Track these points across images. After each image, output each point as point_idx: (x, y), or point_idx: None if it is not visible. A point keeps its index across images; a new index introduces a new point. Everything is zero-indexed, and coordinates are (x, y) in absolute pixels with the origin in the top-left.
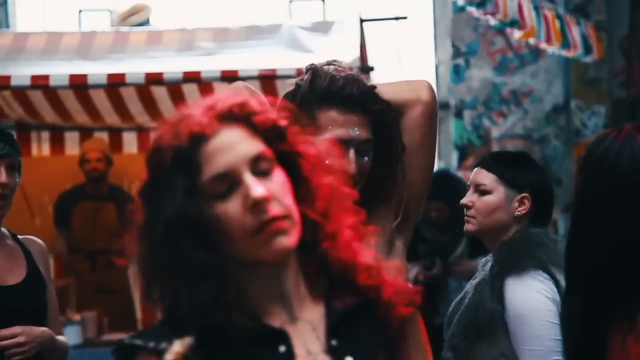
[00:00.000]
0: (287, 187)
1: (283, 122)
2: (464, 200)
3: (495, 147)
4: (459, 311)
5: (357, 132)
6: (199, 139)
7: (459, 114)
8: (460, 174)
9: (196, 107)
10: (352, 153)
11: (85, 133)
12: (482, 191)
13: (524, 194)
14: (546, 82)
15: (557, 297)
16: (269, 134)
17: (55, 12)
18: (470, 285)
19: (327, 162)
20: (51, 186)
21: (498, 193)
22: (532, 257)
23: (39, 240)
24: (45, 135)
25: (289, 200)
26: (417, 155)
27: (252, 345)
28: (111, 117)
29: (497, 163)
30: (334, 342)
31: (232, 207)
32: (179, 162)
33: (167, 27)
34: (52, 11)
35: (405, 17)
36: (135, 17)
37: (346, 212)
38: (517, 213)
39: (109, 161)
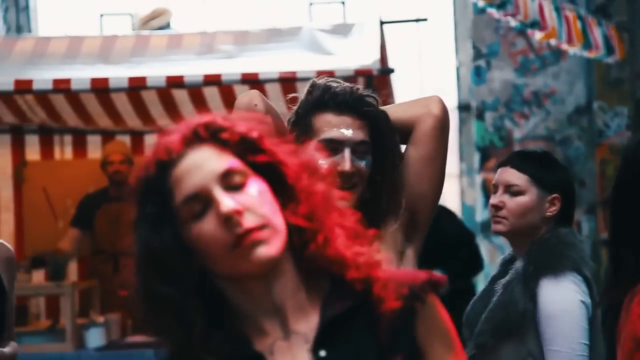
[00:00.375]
0: (266, 196)
1: (254, 134)
2: (494, 201)
3: (517, 149)
4: (486, 309)
5: (352, 133)
6: (166, 165)
7: (480, 116)
8: (482, 175)
9: (167, 133)
10: (347, 152)
11: (107, 136)
12: (514, 192)
13: (555, 195)
14: (568, 83)
15: (589, 300)
16: (240, 147)
17: (76, 16)
18: (498, 284)
19: (312, 167)
20: (74, 189)
21: (531, 194)
22: (567, 257)
23: (8, 246)
24: (68, 138)
25: (266, 209)
26: (428, 167)
27: None
28: (133, 120)
29: (529, 163)
30: (322, 353)
31: (207, 225)
32: (149, 192)
33: (187, 30)
34: (73, 16)
35: (425, 19)
36: (156, 21)
37: (335, 212)
38: (547, 214)
39: (131, 164)
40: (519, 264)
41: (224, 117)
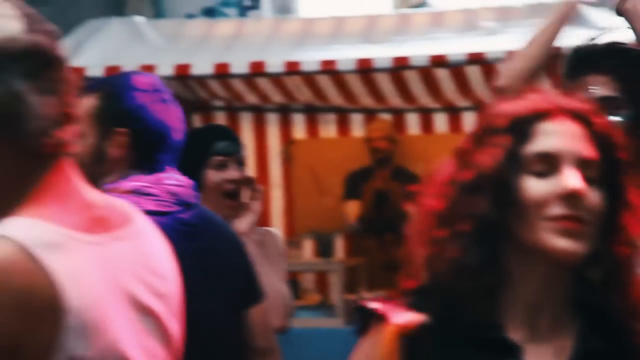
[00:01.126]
0: (601, 206)
1: (624, 156)
2: None
3: None
4: None
5: (594, 91)
6: (540, 115)
7: None
8: None
9: (541, 92)
10: None
11: (370, 115)
12: None
13: None
14: None
15: None
16: (607, 160)
17: None
18: None
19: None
20: (339, 167)
21: None
22: None
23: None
24: (332, 117)
25: (596, 214)
26: None
27: (480, 350)
28: (394, 99)
29: None
30: None
31: (542, 186)
32: (514, 128)
33: (448, 7)
34: None
35: None
36: None
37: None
38: None
39: (393, 142)
40: None
41: (613, 125)
